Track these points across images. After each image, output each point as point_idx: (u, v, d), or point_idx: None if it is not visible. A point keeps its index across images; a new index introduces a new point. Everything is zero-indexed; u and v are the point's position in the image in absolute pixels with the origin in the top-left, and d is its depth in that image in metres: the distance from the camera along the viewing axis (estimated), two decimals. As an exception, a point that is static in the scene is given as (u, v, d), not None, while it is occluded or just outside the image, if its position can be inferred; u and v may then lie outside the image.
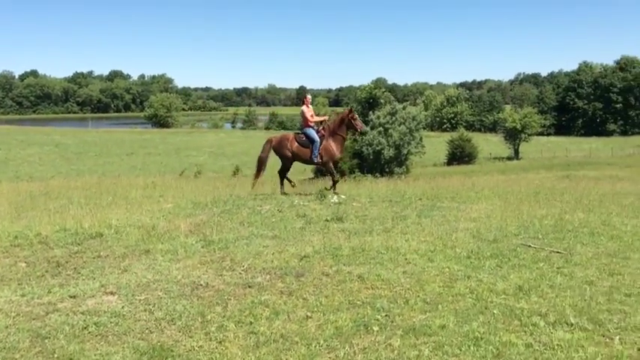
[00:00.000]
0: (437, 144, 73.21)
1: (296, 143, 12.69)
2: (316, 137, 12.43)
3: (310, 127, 12.57)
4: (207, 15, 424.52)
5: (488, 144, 79.02)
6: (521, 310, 4.87)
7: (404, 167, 37.23)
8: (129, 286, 5.59)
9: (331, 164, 12.56)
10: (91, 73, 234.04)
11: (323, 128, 12.65)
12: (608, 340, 4.31)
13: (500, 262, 6.46)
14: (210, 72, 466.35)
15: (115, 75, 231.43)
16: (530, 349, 4.12)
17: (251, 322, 4.62)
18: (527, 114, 76.57)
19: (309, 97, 13.35)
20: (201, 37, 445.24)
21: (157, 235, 7.81)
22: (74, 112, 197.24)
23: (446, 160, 67.33)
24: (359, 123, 12.81)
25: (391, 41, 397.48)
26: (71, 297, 5.24)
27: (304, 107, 12.82)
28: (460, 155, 66.74)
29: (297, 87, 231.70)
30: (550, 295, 5.28)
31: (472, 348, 4.08)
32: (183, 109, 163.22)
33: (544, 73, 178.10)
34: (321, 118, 13.05)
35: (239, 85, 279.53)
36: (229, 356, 4.02)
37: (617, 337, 4.34)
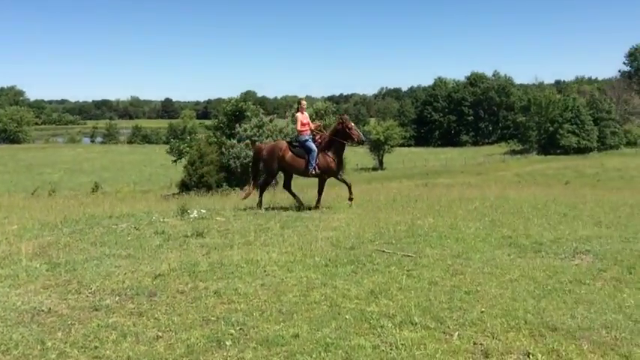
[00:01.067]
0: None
1: (290, 153, 11.82)
2: (313, 147, 11.64)
3: (305, 135, 11.81)
4: (61, 22, 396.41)
5: (356, 155, 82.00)
6: (371, 313, 5.07)
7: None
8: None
9: (325, 177, 11.96)
10: None
11: (320, 137, 11.89)
12: (448, 336, 4.62)
13: (355, 268, 6.69)
14: (66, 83, 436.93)
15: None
16: (377, 350, 4.29)
17: (96, 347, 4.34)
18: (389, 126, 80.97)
19: (304, 102, 12.42)
20: (55, 45, 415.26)
21: (-4, 260, 7.11)
22: None
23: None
24: (355, 132, 11.78)
25: (261, 54, 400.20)
26: None
27: (298, 114, 12.03)
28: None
29: (163, 99, 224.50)
30: (398, 297, 5.55)
31: (322, 354, 4.17)
32: (36, 124, 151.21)
33: (404, 88, 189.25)
34: (315, 125, 12.29)
35: (98, 97, 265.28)
36: (67, 386, 3.74)
37: (457, 334, 4.66)
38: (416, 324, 4.81)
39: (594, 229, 9.37)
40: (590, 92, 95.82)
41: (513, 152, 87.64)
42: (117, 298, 5.57)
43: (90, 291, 5.81)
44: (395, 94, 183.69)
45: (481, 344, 4.45)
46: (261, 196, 12.42)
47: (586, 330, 4.73)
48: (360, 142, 12.08)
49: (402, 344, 4.37)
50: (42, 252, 7.57)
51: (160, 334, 4.63)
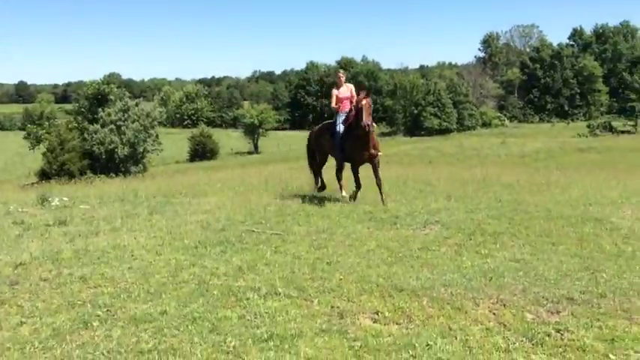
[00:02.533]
0: (178, 141, 72.94)
1: (328, 135, 10.58)
2: (337, 128, 10.16)
3: (342, 113, 10.17)
4: None
5: (230, 139, 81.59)
6: (238, 287, 5.36)
7: (141, 165, 36.30)
8: None
9: (356, 166, 10.20)
10: None
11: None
12: (309, 302, 5.03)
13: (225, 248, 6.92)
14: None
15: None
16: (243, 319, 4.59)
17: (-48, 338, 4.21)
18: (263, 110, 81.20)
19: (341, 73, 10.68)
20: None
21: None
22: None
23: (188, 157, 67.53)
24: (364, 115, 9.29)
25: (126, 34, 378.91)
26: None
27: (334, 89, 10.47)
28: (202, 151, 67.63)
29: (17, 82, 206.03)
30: (265, 272, 5.89)
31: (190, 327, 4.39)
32: None
33: (278, 71, 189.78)
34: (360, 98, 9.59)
35: None
36: None
37: (317, 300, 5.09)
38: (279, 294, 5.17)
39: (444, 202, 10.34)
40: (449, 77, 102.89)
41: (382, 134, 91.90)
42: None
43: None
44: (268, 77, 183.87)
45: (338, 307, 4.91)
46: (317, 176, 11.47)
47: (428, 289, 5.37)
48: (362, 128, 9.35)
49: (265, 312, 4.71)
50: None
51: (23, 319, 4.60)
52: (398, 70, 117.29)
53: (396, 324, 4.64)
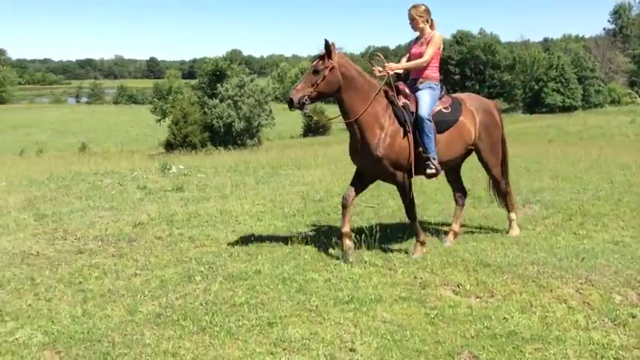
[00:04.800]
0: (293, 116, 74.72)
1: None
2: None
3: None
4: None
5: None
6: (327, 254, 5.70)
7: (256, 139, 37.90)
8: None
9: None
10: None
11: None
12: (392, 272, 5.25)
13: (320, 218, 7.30)
14: (48, 42, 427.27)
15: None
16: (328, 282, 4.92)
17: (80, 282, 4.95)
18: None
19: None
20: (36, 2, 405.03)
21: (-14, 212, 7.65)
22: None
23: (301, 132, 69.18)
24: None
25: (248, 11, 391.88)
26: None
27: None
28: (315, 127, 68.90)
29: (148, 58, 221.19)
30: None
31: (279, 286, 4.79)
32: (20, 84, 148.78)
33: (392, 47, 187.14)
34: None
35: (82, 57, 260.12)
36: (57, 311, 4.34)
37: (400, 270, 5.29)
38: (365, 262, 5.43)
39: (549, 181, 10.00)
40: (575, 51, 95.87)
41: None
42: (100, 243, 6.18)
43: (75, 237, 6.42)
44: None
45: (420, 278, 5.09)
46: None
47: (514, 266, 5.37)
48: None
49: (349, 278, 5.01)
50: (30, 205, 8.11)
51: (137, 272, 5.25)
52: (518, 44, 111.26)
53: (477, 297, 4.74)
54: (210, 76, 40.51)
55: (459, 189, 6.70)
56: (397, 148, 5.56)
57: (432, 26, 5.96)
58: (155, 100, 53.09)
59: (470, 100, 6.42)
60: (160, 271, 5.24)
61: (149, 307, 4.36)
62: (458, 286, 4.92)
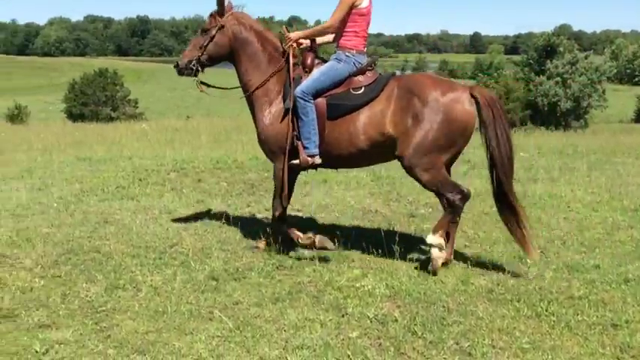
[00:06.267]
0: (625, 98, 66.11)
1: None
2: None
3: None
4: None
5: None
6: None
7: (582, 121, 34.62)
8: (311, 207, 6.56)
9: None
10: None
11: None
12: None
13: None
14: (381, 19, 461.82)
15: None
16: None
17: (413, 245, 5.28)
18: None
19: None
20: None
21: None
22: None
23: (634, 117, 60.80)
24: None
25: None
26: (266, 210, 6.32)
27: None
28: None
29: (472, 33, 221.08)
30: None
31: (622, 286, 4.31)
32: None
33: None
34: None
35: (410, 32, 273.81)
36: (396, 267, 4.71)
37: None
38: None
39: None
40: None
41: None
42: (429, 209, 6.48)
43: (407, 201, 6.87)
44: None
45: None
46: None
47: None
48: None
49: None
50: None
51: (466, 243, 5.36)
52: None
53: None
54: (539, 51, 38.25)
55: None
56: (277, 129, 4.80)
57: None
58: (479, 74, 52.57)
59: (413, 80, 4.74)
60: (489, 247, 5.25)
61: (480, 281, 4.39)
62: None
